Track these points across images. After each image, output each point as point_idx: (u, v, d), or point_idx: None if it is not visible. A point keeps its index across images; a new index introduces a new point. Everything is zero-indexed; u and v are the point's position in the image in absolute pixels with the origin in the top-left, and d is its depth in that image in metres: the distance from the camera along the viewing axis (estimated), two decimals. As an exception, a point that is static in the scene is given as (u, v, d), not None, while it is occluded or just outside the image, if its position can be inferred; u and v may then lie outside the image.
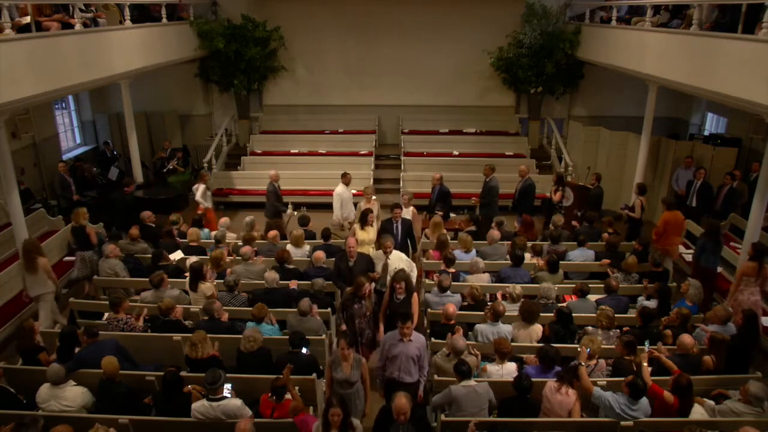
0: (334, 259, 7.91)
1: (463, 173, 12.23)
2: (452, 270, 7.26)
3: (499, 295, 6.88)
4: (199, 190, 9.98)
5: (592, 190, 9.80)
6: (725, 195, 9.84)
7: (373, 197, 9.19)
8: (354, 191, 10.07)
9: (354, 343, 5.65)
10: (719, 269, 8.20)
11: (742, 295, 6.76)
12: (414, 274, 6.84)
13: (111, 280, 7.44)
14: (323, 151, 13.84)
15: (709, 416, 4.99)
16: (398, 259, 6.89)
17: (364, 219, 7.98)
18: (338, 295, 7.24)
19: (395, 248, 7.07)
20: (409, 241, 8.03)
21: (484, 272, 7.34)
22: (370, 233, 8.03)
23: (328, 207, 11.17)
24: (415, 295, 6.31)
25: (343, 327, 6.09)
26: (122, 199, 9.86)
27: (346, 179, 9.42)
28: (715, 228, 7.53)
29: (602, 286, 6.92)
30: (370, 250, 7.78)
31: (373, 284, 6.72)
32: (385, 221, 8.15)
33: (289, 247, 8.02)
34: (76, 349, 5.68)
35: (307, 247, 8.14)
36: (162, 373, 5.15)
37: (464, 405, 4.93)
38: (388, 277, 6.53)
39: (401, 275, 6.18)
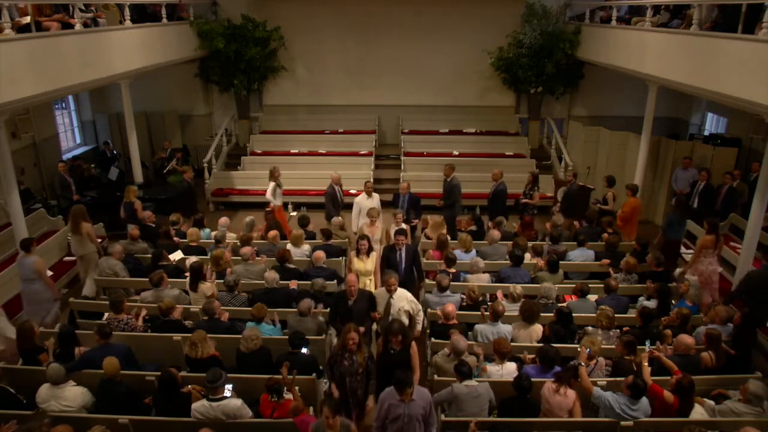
0: (334, 259, 7.94)
1: (463, 173, 12.17)
2: (453, 270, 7.26)
3: (500, 295, 6.88)
4: (269, 187, 9.71)
5: (569, 187, 9.82)
6: (725, 194, 9.85)
7: (377, 221, 8.32)
8: (354, 191, 10.06)
9: (342, 408, 5.00)
10: (719, 269, 8.24)
11: (702, 265, 7.52)
12: (419, 319, 6.27)
13: (111, 280, 7.44)
14: (323, 151, 13.84)
15: (709, 416, 5.00)
16: (403, 299, 6.14)
17: (358, 247, 7.22)
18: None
19: (399, 279, 6.37)
20: (414, 269, 7.27)
21: (484, 272, 7.34)
22: (368, 263, 7.21)
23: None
24: (414, 346, 5.42)
25: (333, 389, 5.22)
26: (188, 187, 9.97)
27: (367, 188, 9.03)
28: (683, 203, 8.74)
29: (602, 286, 6.93)
30: (367, 282, 7.14)
31: (375, 325, 6.27)
32: (387, 249, 7.35)
33: (288, 246, 8.02)
34: (77, 349, 5.68)
35: (306, 247, 8.13)
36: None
37: (465, 405, 4.93)
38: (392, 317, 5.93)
39: (397, 328, 5.26)
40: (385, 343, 5.40)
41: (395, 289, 6.11)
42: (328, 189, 9.54)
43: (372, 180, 10.45)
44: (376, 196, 9.12)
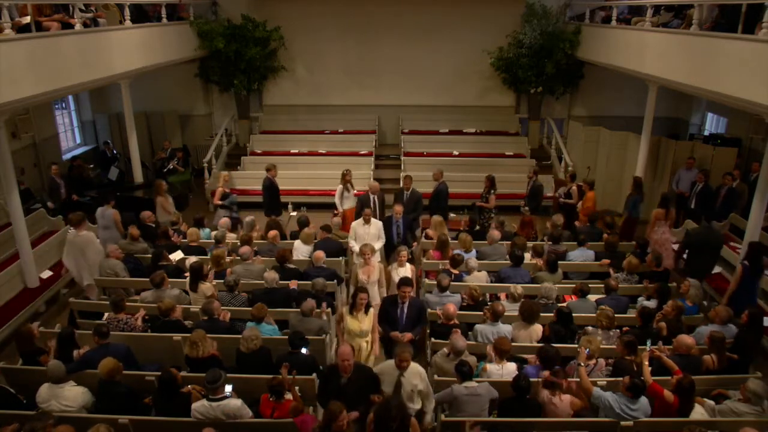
0: (334, 259, 7.91)
1: (464, 173, 12.23)
2: (456, 271, 7.26)
3: (502, 296, 6.88)
4: (338, 190, 9.52)
5: (531, 184, 9.85)
6: (724, 196, 9.85)
7: (373, 259, 6.83)
8: (355, 192, 10.01)
9: None
10: (719, 269, 8.51)
11: (656, 234, 8.53)
12: (430, 406, 5.06)
13: (112, 280, 7.44)
14: (323, 151, 13.84)
15: (709, 416, 4.99)
16: (416, 375, 4.90)
17: (353, 301, 5.77)
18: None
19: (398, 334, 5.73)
20: (417, 328, 6.05)
21: (479, 271, 7.32)
22: (364, 321, 5.72)
23: (327, 207, 11.21)
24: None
25: None
26: (270, 185, 9.88)
27: (365, 215, 7.88)
28: (639, 182, 9.51)
29: (602, 286, 6.93)
30: (363, 345, 5.80)
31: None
32: (387, 300, 6.20)
33: (297, 243, 8.03)
34: (75, 352, 5.67)
35: (309, 246, 8.12)
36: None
37: (464, 405, 4.93)
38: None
39: (396, 413, 4.13)
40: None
41: (407, 366, 4.86)
42: (362, 197, 9.04)
43: (373, 206, 8.86)
44: (375, 223, 8.01)
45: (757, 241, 7.28)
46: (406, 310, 5.97)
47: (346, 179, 9.70)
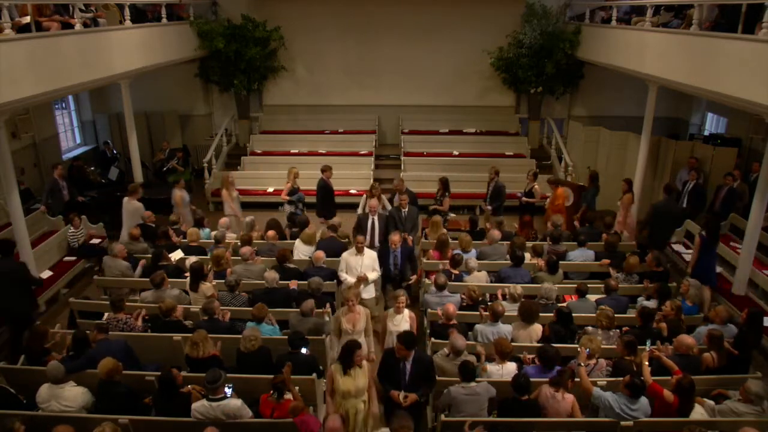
0: (334, 258, 7.86)
1: (463, 173, 12.23)
2: (456, 271, 7.26)
3: (498, 294, 6.88)
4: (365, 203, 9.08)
5: (494, 184, 9.81)
6: (724, 196, 9.84)
7: (356, 305, 5.86)
8: (354, 190, 9.99)
9: None
10: (719, 270, 8.50)
11: (625, 217, 9.29)
12: None
13: (117, 280, 7.45)
14: (323, 151, 13.83)
15: (709, 416, 5.00)
16: None
17: (348, 358, 4.91)
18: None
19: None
20: (424, 387, 5.19)
21: (479, 271, 7.32)
22: (359, 378, 4.95)
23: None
24: None
25: None
26: (324, 185, 9.72)
27: (357, 243, 7.03)
28: (595, 176, 10.03)
29: (602, 286, 6.93)
30: (361, 407, 5.03)
31: None
32: (387, 354, 5.28)
33: (298, 243, 8.00)
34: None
35: (312, 247, 8.10)
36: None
37: (463, 406, 4.93)
38: None
39: None
40: None
41: None
42: (360, 217, 8.43)
43: (371, 229, 8.04)
44: (369, 254, 7.03)
45: (712, 213, 8.94)
46: (409, 367, 5.08)
47: (398, 188, 8.64)
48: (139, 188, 9.15)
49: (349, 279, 6.80)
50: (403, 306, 5.93)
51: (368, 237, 7.89)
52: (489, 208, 9.87)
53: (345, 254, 7.07)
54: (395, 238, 7.19)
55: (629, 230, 9.35)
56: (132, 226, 8.60)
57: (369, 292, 6.99)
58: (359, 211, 8.94)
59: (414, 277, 7.36)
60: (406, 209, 8.28)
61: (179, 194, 9.64)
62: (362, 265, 6.91)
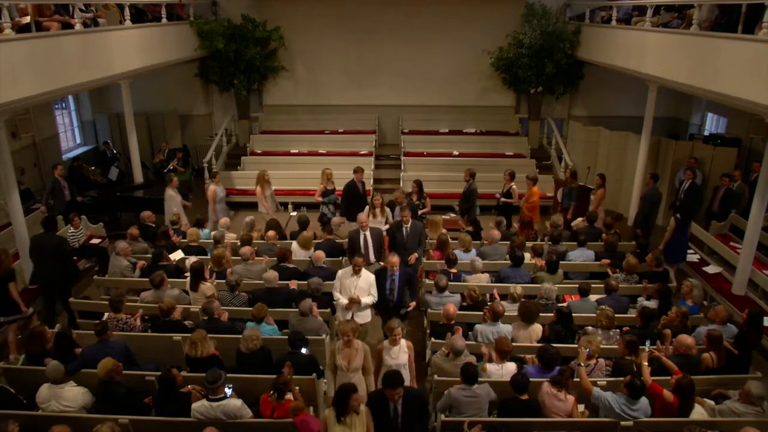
0: (334, 258, 7.87)
1: (463, 173, 12.20)
2: (454, 270, 7.25)
3: (495, 293, 6.87)
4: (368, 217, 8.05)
5: (467, 187, 9.79)
6: (722, 197, 9.86)
7: (354, 340, 5.33)
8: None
9: None
10: (719, 269, 8.66)
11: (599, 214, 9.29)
12: None
13: (118, 280, 7.45)
14: (323, 151, 13.84)
15: (709, 416, 5.00)
16: None
17: (342, 403, 4.42)
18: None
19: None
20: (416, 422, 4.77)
21: (483, 272, 7.33)
22: (356, 426, 4.45)
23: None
24: None
25: None
26: (353, 185, 9.51)
27: (355, 265, 6.36)
28: (574, 174, 10.32)
29: (602, 286, 6.93)
30: None
31: None
32: (373, 398, 4.77)
33: (294, 246, 7.99)
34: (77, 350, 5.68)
35: (309, 251, 8.10)
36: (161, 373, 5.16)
37: (464, 407, 4.93)
38: None
39: None
40: None
41: None
42: (352, 234, 7.58)
43: (364, 247, 7.45)
44: (366, 276, 6.40)
45: (683, 198, 9.56)
46: (401, 409, 4.57)
47: (375, 203, 8.30)
48: (173, 178, 9.81)
49: (342, 299, 6.37)
50: (399, 337, 5.40)
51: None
52: (462, 209, 9.79)
53: (340, 273, 6.54)
54: (394, 259, 6.44)
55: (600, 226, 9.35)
56: (171, 214, 9.18)
57: (363, 317, 6.44)
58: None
59: (412, 304, 6.69)
60: (408, 225, 7.59)
61: (213, 189, 9.67)
62: (357, 287, 6.34)
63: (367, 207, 9.06)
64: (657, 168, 11.44)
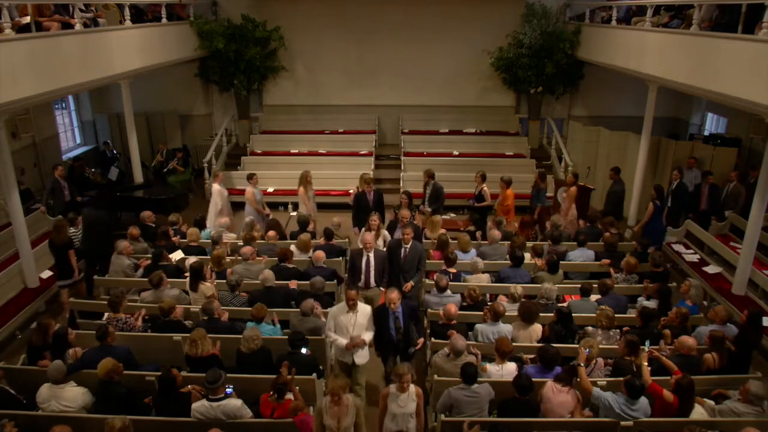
0: (334, 258, 7.86)
1: (464, 173, 12.21)
2: (453, 270, 7.25)
3: (501, 300, 6.86)
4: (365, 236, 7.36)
5: (432, 186, 9.65)
6: (707, 194, 10.05)
7: (344, 395, 4.74)
8: (353, 190, 9.89)
9: None
10: (719, 269, 8.63)
11: (570, 210, 9.60)
12: None
13: (119, 280, 7.45)
14: (323, 151, 13.84)
15: (709, 416, 5.00)
16: None
17: None
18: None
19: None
20: None
21: (483, 272, 7.33)
22: None
23: (327, 207, 11.22)
24: None
25: None
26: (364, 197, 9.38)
27: (349, 299, 5.63)
28: (544, 176, 10.60)
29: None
30: None
31: None
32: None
33: (293, 249, 7.97)
34: (72, 350, 5.69)
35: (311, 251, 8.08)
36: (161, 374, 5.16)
37: (464, 407, 4.93)
38: None
39: None
40: None
41: None
42: (353, 255, 7.09)
43: (365, 269, 6.85)
44: (363, 310, 5.71)
45: (659, 185, 9.68)
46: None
47: (372, 226, 7.56)
48: (218, 173, 10.22)
49: (341, 340, 5.63)
50: (408, 384, 4.82)
51: (362, 277, 6.84)
52: (429, 210, 9.69)
53: (334, 310, 5.79)
54: (393, 296, 5.68)
55: (570, 224, 9.44)
56: (216, 208, 9.43)
57: (363, 357, 5.75)
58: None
59: (420, 341, 5.95)
60: (409, 245, 6.96)
61: (251, 191, 9.52)
62: (355, 324, 5.61)
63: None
64: (657, 168, 11.46)
